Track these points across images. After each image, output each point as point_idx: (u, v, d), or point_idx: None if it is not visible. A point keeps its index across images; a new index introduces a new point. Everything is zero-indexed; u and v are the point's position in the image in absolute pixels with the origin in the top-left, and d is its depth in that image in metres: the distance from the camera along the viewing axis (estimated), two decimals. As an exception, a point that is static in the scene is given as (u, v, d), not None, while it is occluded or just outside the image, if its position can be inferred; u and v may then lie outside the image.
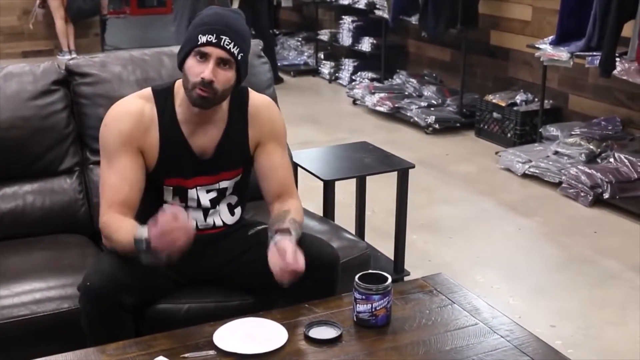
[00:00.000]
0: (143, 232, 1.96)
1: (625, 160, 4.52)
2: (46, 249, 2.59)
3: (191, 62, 2.14)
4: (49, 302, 2.29)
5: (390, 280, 2.00)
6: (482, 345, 1.95)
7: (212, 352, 1.86)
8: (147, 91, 2.29)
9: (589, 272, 3.67)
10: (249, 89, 2.38)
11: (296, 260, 2.01)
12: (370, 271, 2.05)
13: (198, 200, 2.29)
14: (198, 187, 2.28)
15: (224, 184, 2.31)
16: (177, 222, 1.91)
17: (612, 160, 4.62)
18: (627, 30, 4.35)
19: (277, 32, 9.11)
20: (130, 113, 2.22)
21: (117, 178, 2.17)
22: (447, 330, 2.01)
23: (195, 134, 2.26)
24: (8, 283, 2.34)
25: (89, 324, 2.09)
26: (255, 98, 2.36)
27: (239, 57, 2.15)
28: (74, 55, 8.32)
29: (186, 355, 1.85)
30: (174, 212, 1.91)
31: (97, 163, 2.78)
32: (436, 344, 1.94)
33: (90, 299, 2.07)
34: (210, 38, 2.11)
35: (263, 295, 2.29)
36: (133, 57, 2.93)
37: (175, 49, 3.05)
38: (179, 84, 2.25)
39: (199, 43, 2.11)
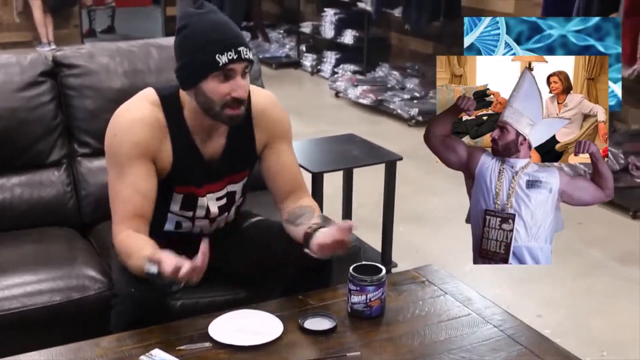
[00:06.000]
0: (151, 267, 1.85)
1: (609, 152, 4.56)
2: (35, 241, 2.57)
3: (213, 84, 2.01)
4: (40, 295, 2.28)
5: (384, 271, 2.01)
6: (475, 335, 1.96)
7: (207, 344, 1.86)
8: (153, 95, 2.14)
9: (575, 262, 3.71)
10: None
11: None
12: (364, 262, 2.06)
13: (207, 209, 2.21)
14: (208, 195, 2.20)
15: (232, 188, 2.24)
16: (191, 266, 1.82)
17: (594, 152, 4.65)
18: (610, 23, 4.39)
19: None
20: (144, 122, 2.08)
21: (130, 190, 2.05)
22: (441, 321, 2.02)
23: (204, 141, 2.16)
24: (-3, 276, 2.33)
25: (128, 327, 1.99)
26: (258, 98, 2.25)
27: (254, 60, 2.09)
28: (53, 47, 8.25)
29: (182, 347, 1.85)
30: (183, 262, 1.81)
31: (85, 155, 2.80)
32: (430, 335, 1.96)
33: (136, 304, 2.03)
34: (231, 55, 1.99)
35: (257, 287, 2.28)
36: (120, 48, 2.91)
37: (163, 40, 3.08)
38: (183, 94, 2.12)
39: (222, 64, 1.99)
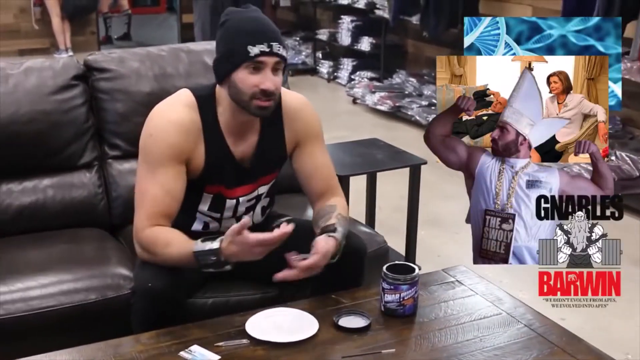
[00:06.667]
0: (208, 244, 1.99)
1: (627, 159, 4.58)
2: (68, 241, 2.61)
3: (243, 75, 2.07)
4: (75, 293, 2.32)
5: (417, 270, 2.04)
6: (507, 334, 2.00)
7: (245, 341, 1.90)
8: (190, 97, 2.19)
9: (594, 267, 3.72)
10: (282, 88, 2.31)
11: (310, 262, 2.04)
12: (396, 262, 2.09)
13: (234, 209, 2.26)
14: (240, 198, 2.25)
15: (261, 190, 2.29)
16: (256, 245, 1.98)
17: (613, 158, 4.68)
18: (630, 30, 4.41)
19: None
20: (179, 125, 2.13)
21: (160, 189, 2.11)
22: (472, 320, 2.06)
23: (237, 142, 2.21)
24: (33, 275, 2.37)
25: (146, 324, 2.04)
26: (289, 99, 2.31)
27: (287, 58, 2.15)
28: (70, 54, 8.32)
29: (220, 343, 1.89)
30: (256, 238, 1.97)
31: (115, 157, 2.84)
32: (463, 333, 1.99)
33: (153, 299, 2.07)
34: (262, 48, 2.05)
35: (286, 285, 2.31)
36: (150, 53, 2.96)
37: (192, 45, 3.13)
38: (219, 91, 2.18)
39: (252, 55, 2.05)
